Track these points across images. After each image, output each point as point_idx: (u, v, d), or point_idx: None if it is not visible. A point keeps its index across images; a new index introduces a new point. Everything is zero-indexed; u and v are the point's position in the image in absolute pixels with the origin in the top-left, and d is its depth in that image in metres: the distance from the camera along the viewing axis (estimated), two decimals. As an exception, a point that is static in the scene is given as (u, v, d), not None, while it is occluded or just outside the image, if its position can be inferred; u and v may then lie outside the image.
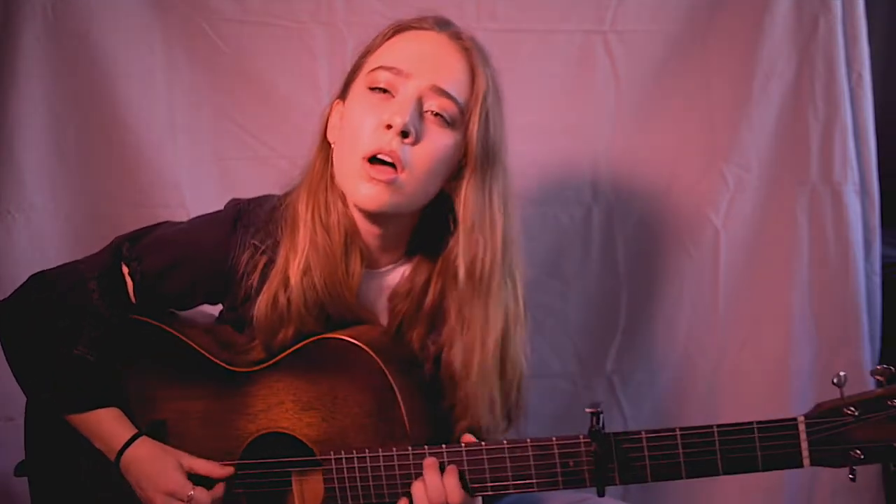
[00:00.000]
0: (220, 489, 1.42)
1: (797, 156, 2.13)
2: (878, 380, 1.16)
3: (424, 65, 1.33)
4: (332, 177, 1.38)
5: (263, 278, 1.40)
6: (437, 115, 1.33)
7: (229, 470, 1.42)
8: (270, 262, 1.41)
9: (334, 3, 2.02)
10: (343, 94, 1.41)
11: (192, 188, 2.02)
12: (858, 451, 1.16)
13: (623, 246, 2.16)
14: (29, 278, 1.52)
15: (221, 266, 1.43)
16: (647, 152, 2.14)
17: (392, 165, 1.31)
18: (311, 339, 1.39)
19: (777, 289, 2.15)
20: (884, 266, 2.18)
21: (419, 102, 1.32)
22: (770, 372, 2.14)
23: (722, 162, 2.13)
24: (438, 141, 1.33)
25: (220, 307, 1.56)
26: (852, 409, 1.16)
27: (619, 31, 2.08)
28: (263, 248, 1.41)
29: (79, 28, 1.93)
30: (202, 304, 1.54)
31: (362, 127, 1.32)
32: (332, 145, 1.39)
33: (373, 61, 1.37)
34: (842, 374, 1.17)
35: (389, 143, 1.30)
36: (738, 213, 2.14)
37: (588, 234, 2.16)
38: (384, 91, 1.33)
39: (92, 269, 1.48)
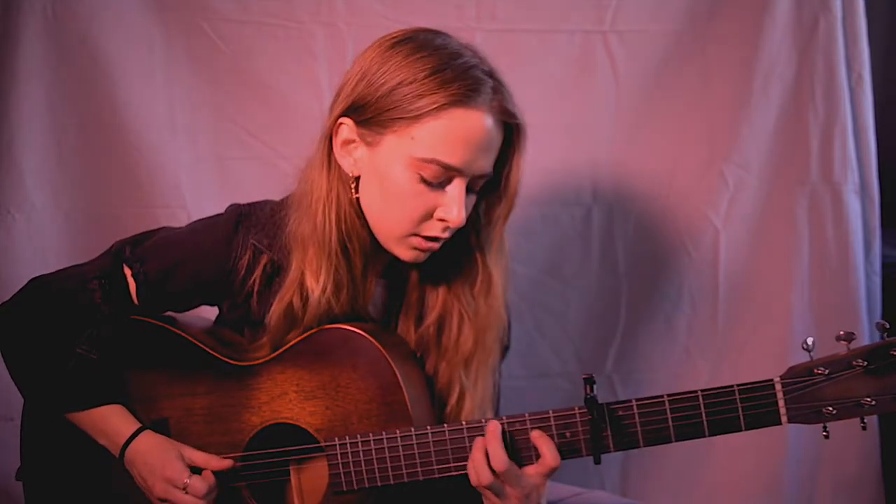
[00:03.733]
0: (213, 478, 1.43)
1: (797, 156, 2.13)
2: (842, 343, 1.25)
3: (475, 159, 1.34)
4: (351, 202, 1.39)
5: (265, 277, 1.44)
6: (472, 188, 1.39)
7: (227, 463, 1.44)
8: (272, 262, 1.44)
9: (334, 4, 2.02)
10: (362, 124, 1.35)
11: (192, 188, 2.02)
12: (830, 408, 1.25)
13: (623, 246, 2.17)
14: (29, 282, 1.52)
15: (224, 267, 1.45)
16: (647, 152, 2.14)
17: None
18: (313, 331, 1.42)
19: (777, 289, 2.16)
20: (884, 266, 2.19)
21: (466, 188, 1.37)
22: (770, 372, 2.14)
23: (722, 162, 2.13)
24: (471, 205, 1.40)
25: (216, 311, 1.57)
26: (822, 368, 1.24)
27: (619, 31, 2.09)
28: (263, 247, 1.44)
29: (79, 28, 1.93)
30: (202, 304, 1.54)
31: (413, 212, 1.36)
32: (353, 176, 1.39)
33: (421, 142, 1.32)
34: (810, 340, 1.25)
35: (443, 233, 1.38)
36: (738, 213, 2.15)
37: (588, 234, 2.16)
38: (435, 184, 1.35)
39: (93, 271, 1.49)
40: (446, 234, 1.38)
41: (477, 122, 1.32)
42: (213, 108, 2.03)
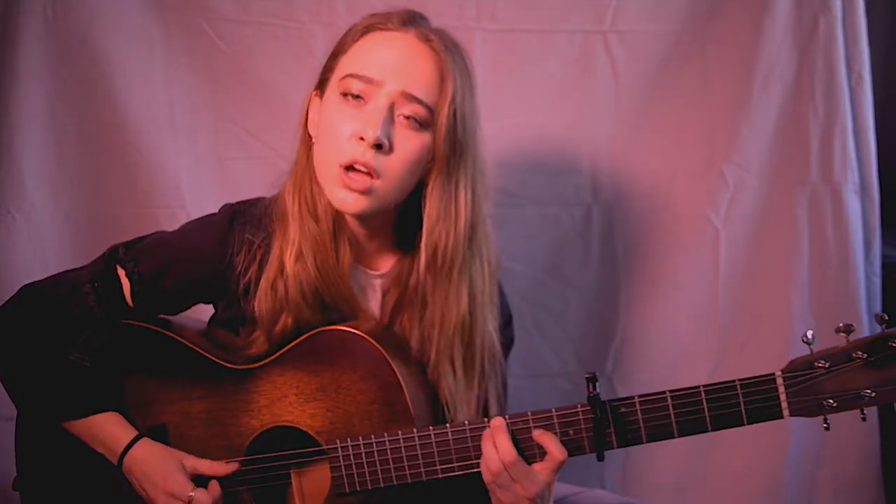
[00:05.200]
0: (219, 490, 1.43)
1: (797, 156, 2.13)
2: (842, 336, 1.25)
3: (394, 71, 1.36)
4: (310, 163, 1.43)
5: (261, 271, 1.44)
6: (408, 118, 1.37)
7: (234, 466, 1.43)
8: (267, 256, 1.44)
9: (334, 3, 2.02)
10: (320, 88, 1.44)
11: (192, 188, 2.02)
12: (831, 401, 1.25)
13: (623, 246, 2.16)
14: (20, 289, 1.51)
15: (219, 264, 1.45)
16: (647, 152, 2.14)
17: (368, 174, 1.35)
18: (311, 332, 1.42)
19: (777, 289, 2.16)
20: (884, 266, 2.19)
21: (391, 109, 1.36)
22: (770, 372, 2.15)
23: (722, 162, 2.13)
24: (411, 145, 1.37)
25: (210, 312, 1.57)
26: (823, 362, 1.25)
27: (619, 31, 2.09)
28: (258, 242, 1.45)
29: (79, 28, 1.93)
30: (198, 303, 1.54)
31: (338, 134, 1.36)
32: (313, 140, 1.42)
33: (344, 65, 1.39)
34: (809, 333, 1.26)
35: (363, 155, 1.34)
36: (738, 213, 2.15)
37: (588, 234, 2.16)
38: (357, 97, 1.37)
39: (86, 275, 1.48)
40: (368, 157, 1.34)
41: (396, 40, 1.38)
42: (213, 108, 2.03)
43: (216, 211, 1.51)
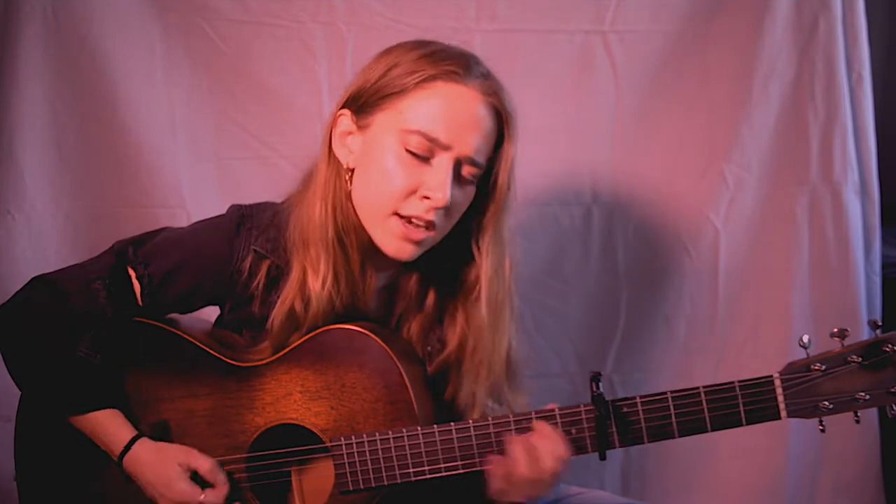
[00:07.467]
0: (227, 486, 1.43)
1: (797, 156, 2.13)
2: (836, 340, 1.28)
3: (462, 135, 1.35)
4: (348, 195, 1.40)
5: (269, 281, 1.45)
6: (464, 177, 1.38)
7: (224, 484, 1.42)
8: (274, 266, 1.44)
9: (334, 3, 2.02)
10: (357, 112, 1.39)
11: (192, 188, 2.02)
12: (827, 403, 1.28)
13: (623, 246, 2.17)
14: (31, 280, 1.50)
15: (226, 268, 1.45)
16: (647, 152, 2.14)
17: (425, 227, 1.37)
18: (317, 332, 1.42)
19: (777, 289, 2.16)
20: (884, 266, 2.19)
21: (455, 170, 1.36)
22: (770, 372, 2.14)
23: (722, 162, 2.13)
24: (463, 198, 1.40)
25: (215, 314, 1.56)
26: (819, 364, 1.28)
27: (619, 31, 2.09)
28: (264, 252, 1.45)
29: (79, 28, 1.93)
30: (206, 305, 1.54)
31: (395, 184, 1.35)
32: (348, 168, 1.40)
33: (408, 113, 1.34)
34: (805, 337, 1.29)
35: (427, 214, 1.36)
36: (738, 213, 2.15)
37: (588, 234, 2.16)
38: (423, 158, 1.35)
39: (97, 271, 1.47)
40: (430, 216, 1.36)
41: (463, 98, 1.35)
42: (213, 108, 2.03)
43: (222, 212, 1.51)
